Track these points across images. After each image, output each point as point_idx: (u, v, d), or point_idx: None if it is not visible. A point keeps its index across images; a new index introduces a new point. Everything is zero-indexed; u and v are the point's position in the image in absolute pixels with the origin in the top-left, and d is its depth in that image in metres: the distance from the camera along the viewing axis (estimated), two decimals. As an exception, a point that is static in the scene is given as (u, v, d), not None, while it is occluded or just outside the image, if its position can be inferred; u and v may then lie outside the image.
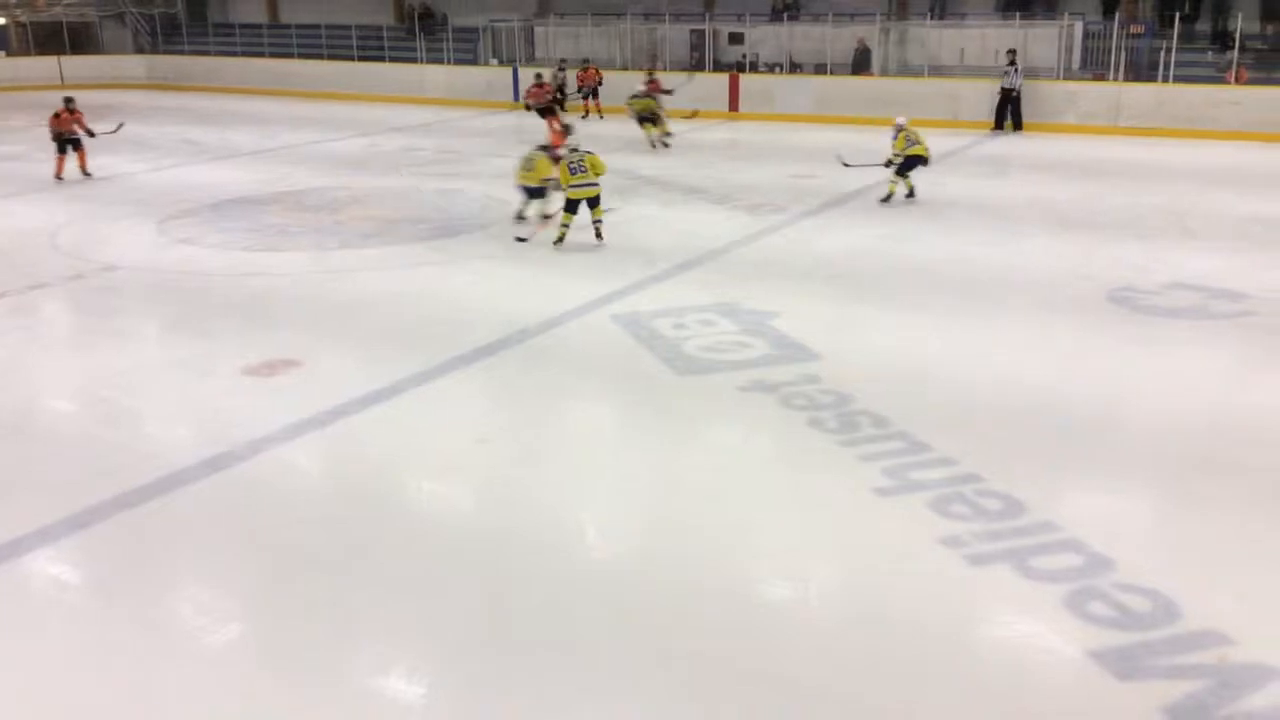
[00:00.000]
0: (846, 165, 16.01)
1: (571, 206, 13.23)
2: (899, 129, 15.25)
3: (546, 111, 22.97)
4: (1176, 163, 18.61)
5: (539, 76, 24.31)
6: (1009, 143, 22.00)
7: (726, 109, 26.90)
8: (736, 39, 28.95)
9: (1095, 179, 17.15)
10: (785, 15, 29.18)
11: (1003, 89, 22.96)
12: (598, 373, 9.33)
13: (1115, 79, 23.12)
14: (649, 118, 20.85)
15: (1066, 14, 25.08)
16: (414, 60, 33.58)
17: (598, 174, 13.19)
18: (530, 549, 6.30)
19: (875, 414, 8.07)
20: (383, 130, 26.25)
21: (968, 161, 19.56)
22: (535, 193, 13.87)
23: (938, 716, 4.89)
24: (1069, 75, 24.02)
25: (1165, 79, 22.30)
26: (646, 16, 30.33)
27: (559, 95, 25.06)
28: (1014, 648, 5.48)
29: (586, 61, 27.99)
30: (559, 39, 31.75)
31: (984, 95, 23.62)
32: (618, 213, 14.60)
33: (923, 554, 6.19)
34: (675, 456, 7.67)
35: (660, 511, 6.88)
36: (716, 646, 5.38)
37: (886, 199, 15.60)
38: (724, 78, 27.29)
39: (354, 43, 35.36)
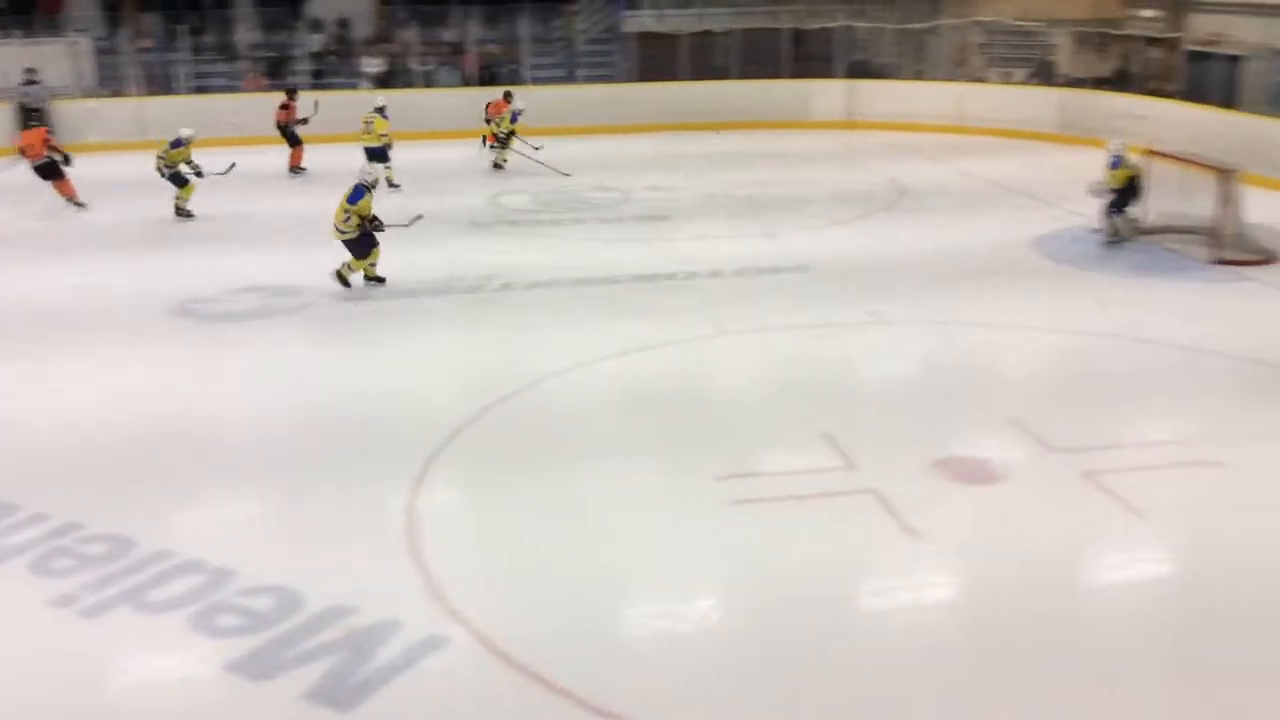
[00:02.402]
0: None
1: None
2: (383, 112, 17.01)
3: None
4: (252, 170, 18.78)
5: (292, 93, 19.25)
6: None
7: None
8: None
9: (128, 197, 16.48)
10: None
11: (24, 108, 21.38)
12: None
13: (135, 93, 22.92)
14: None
15: (71, 30, 24.12)
16: None
17: (339, 220, 11.31)
18: None
19: (-55, 487, 7.07)
20: None
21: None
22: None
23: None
24: (87, 93, 23.18)
25: (188, 90, 22.73)
26: None
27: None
28: (147, 685, 5.31)
29: None
30: None
31: (4, 117, 21.77)
32: None
33: (32, 623, 5.63)
34: None
35: None
36: None
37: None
38: None
39: None
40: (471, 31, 23.57)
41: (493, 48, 23.95)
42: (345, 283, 11.49)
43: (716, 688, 5.20)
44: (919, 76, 24.01)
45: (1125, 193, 12.95)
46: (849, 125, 22.39)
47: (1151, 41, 21.11)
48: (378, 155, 16.46)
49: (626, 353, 9.67)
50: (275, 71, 23.44)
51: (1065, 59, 22.81)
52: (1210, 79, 19.49)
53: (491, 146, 18.71)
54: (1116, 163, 12.88)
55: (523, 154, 17.97)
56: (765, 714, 5.02)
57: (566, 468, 7.47)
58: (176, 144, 15.08)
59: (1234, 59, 19.20)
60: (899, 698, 5.14)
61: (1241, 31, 18.88)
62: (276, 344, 10.10)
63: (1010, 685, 5.22)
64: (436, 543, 6.43)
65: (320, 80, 23.11)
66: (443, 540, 6.49)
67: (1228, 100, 18.73)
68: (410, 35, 23.35)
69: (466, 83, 23.12)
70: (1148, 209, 13.12)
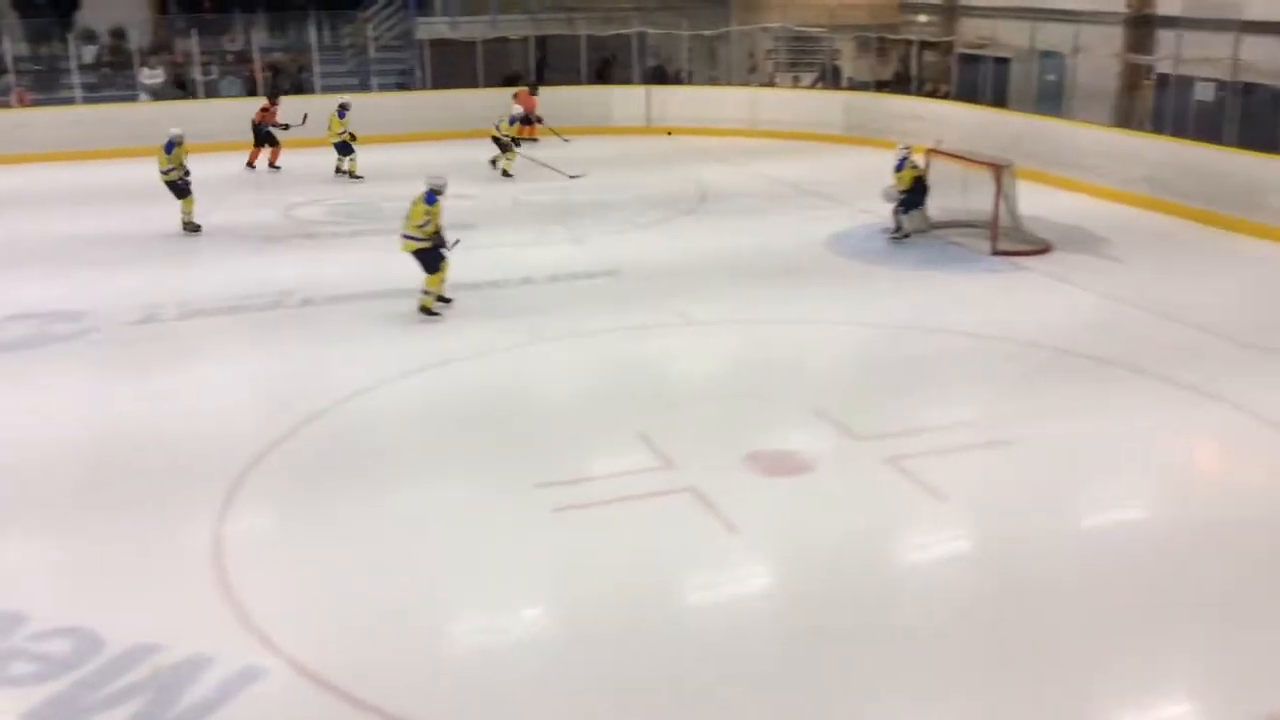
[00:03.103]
0: None
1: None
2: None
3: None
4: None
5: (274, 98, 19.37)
6: None
7: None
8: None
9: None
10: None
11: None
12: None
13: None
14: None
15: None
16: None
17: (416, 223, 10.47)
18: None
19: None
20: None
21: None
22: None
23: None
24: None
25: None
26: None
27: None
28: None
29: None
30: None
31: None
32: None
33: None
34: None
35: None
36: None
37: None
38: None
39: None
40: (256, 39, 22.75)
41: (280, 56, 23.17)
42: (433, 311, 10.78)
43: (545, 694, 5.18)
44: (713, 82, 24.56)
45: (912, 193, 13.58)
46: (648, 130, 22.71)
47: (926, 45, 22.23)
48: (343, 149, 18.00)
49: (441, 364, 9.53)
50: (45, 85, 22.07)
51: (849, 63, 23.78)
52: (982, 80, 20.68)
53: (496, 140, 18.65)
54: (901, 165, 13.50)
55: (532, 158, 18.40)
56: (595, 716, 5.04)
57: (381, 485, 7.30)
58: (170, 147, 14.03)
59: (1002, 61, 20.44)
60: (718, 685, 5.24)
61: (1007, 35, 20.10)
62: (56, 374, 9.47)
63: (826, 665, 5.39)
64: (246, 571, 6.17)
65: (96, 93, 21.87)
66: (252, 568, 6.24)
67: (999, 100, 19.93)
68: (191, 45, 22.33)
69: (251, 92, 22.29)
70: (931, 206, 13.80)
